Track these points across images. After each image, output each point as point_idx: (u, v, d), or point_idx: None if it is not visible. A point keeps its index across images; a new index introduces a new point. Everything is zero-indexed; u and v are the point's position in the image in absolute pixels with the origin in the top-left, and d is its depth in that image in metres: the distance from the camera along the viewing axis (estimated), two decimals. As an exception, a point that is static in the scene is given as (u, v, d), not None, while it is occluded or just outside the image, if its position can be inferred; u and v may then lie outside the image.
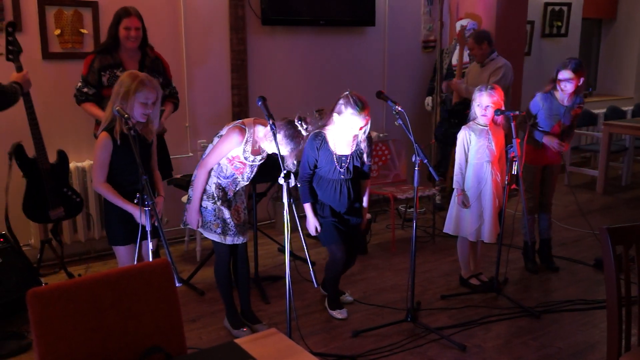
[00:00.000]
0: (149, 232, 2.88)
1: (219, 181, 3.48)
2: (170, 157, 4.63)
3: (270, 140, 3.27)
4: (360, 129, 3.62)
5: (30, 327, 1.82)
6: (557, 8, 7.77)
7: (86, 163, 4.71)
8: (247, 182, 3.58)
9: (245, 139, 3.37)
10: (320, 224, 3.82)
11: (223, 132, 3.42)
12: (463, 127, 4.20)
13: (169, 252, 2.72)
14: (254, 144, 3.41)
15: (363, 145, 3.75)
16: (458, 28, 6.23)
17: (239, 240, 3.59)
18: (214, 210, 3.50)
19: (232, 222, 3.52)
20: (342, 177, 3.74)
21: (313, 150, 3.71)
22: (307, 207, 3.81)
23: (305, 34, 5.82)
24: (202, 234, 3.62)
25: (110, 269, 2.77)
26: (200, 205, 3.51)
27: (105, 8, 4.65)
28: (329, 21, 5.88)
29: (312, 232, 3.83)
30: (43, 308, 1.80)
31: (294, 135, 3.24)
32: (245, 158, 3.43)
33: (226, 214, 3.50)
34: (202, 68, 5.25)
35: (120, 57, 4.13)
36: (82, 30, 4.64)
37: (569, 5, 7.85)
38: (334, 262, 3.89)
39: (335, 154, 3.70)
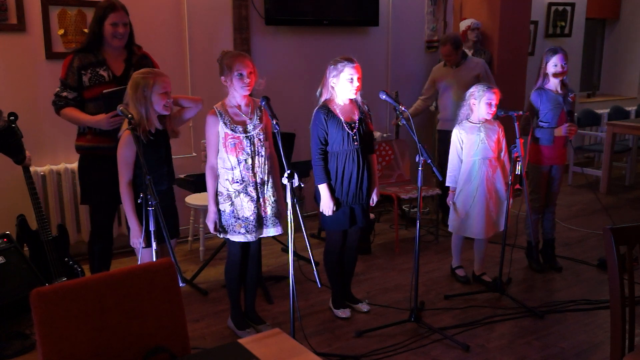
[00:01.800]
0: (152, 232, 2.87)
1: (232, 176, 3.44)
2: (173, 157, 4.61)
3: (233, 88, 3.39)
4: (359, 79, 3.66)
5: (34, 328, 1.82)
6: (560, 8, 7.76)
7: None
8: (263, 158, 3.47)
9: (217, 112, 3.40)
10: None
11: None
12: (455, 126, 4.27)
13: (172, 252, 2.72)
14: (232, 113, 3.43)
15: (366, 108, 3.80)
16: (462, 28, 6.24)
17: (263, 234, 3.57)
18: (233, 212, 3.47)
19: (254, 217, 3.47)
20: (356, 144, 3.71)
21: (321, 122, 3.66)
22: (323, 187, 3.71)
23: (309, 34, 5.83)
24: (227, 239, 3.57)
25: (114, 269, 2.77)
26: (218, 210, 3.51)
27: (109, 8, 4.65)
28: (333, 21, 5.88)
29: (329, 212, 3.73)
30: (47, 308, 1.80)
31: None
32: (233, 130, 3.39)
33: (247, 209, 3.46)
34: (205, 68, 5.25)
35: (104, 55, 3.71)
36: (86, 30, 4.65)
37: (572, 5, 7.84)
38: (331, 248, 3.90)
39: (344, 121, 3.69)
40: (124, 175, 3.17)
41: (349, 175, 3.73)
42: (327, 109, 3.68)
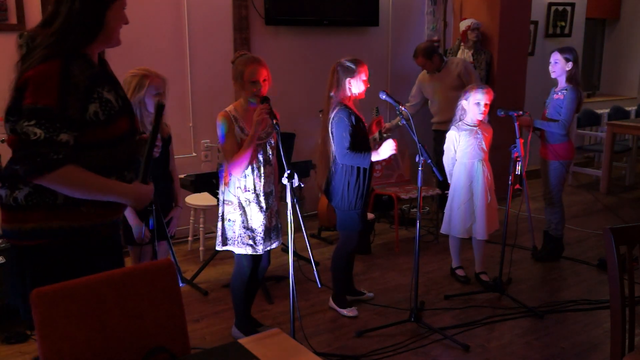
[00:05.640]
0: (149, 231, 2.88)
1: (243, 184, 3.32)
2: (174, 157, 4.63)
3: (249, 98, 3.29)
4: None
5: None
6: (560, 8, 7.75)
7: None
8: (271, 167, 3.39)
9: (232, 117, 3.24)
10: (350, 211, 3.79)
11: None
12: (452, 127, 4.28)
13: (172, 252, 2.73)
14: (245, 118, 3.29)
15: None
16: (462, 28, 6.24)
17: (270, 246, 3.47)
18: (244, 222, 3.35)
19: (262, 229, 3.36)
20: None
21: (351, 122, 3.64)
22: (375, 155, 3.67)
23: (309, 34, 5.83)
24: (233, 252, 3.45)
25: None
26: (229, 220, 3.37)
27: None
28: (333, 21, 5.88)
29: (393, 152, 3.67)
30: (47, 308, 1.80)
31: None
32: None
33: (257, 220, 3.35)
34: (205, 68, 5.25)
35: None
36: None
37: (572, 5, 7.84)
38: (348, 249, 3.92)
39: (362, 120, 3.73)
40: None
41: (367, 173, 3.77)
42: (349, 110, 3.69)
